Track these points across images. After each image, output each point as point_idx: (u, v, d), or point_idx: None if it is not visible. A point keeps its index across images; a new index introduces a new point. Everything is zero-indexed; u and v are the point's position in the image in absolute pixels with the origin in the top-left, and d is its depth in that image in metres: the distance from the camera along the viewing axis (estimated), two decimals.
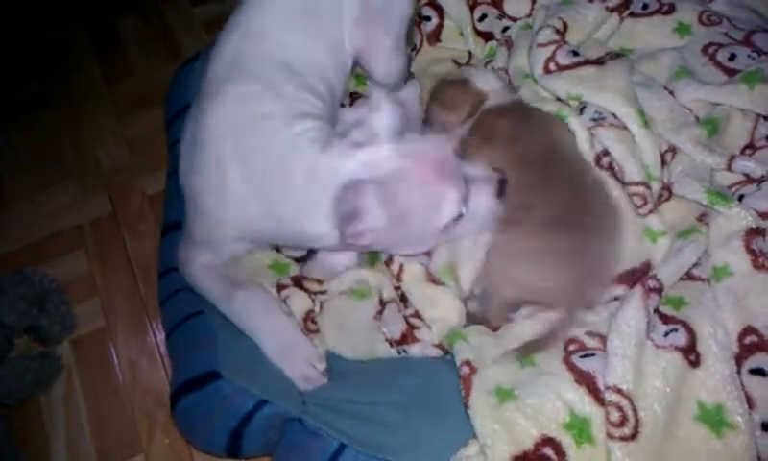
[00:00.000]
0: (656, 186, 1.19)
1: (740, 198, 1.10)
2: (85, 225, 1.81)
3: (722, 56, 1.27)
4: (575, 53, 1.30)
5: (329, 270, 1.25)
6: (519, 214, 1.10)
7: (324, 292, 1.22)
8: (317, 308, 1.20)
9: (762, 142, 1.19)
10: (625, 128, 1.21)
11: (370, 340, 1.16)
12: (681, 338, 0.98)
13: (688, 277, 1.09)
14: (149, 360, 1.56)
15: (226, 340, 1.16)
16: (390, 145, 1.05)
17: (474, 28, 1.57)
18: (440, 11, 1.60)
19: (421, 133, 1.46)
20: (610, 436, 0.93)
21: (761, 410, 0.93)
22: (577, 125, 1.23)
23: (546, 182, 1.13)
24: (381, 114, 1.07)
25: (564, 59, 1.29)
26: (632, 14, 1.40)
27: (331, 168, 1.06)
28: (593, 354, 1.01)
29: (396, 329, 1.15)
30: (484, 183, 1.10)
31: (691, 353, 0.97)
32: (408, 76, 1.53)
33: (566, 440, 0.93)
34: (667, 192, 1.20)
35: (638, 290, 1.02)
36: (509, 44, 1.50)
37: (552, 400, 0.96)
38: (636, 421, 0.93)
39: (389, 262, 1.22)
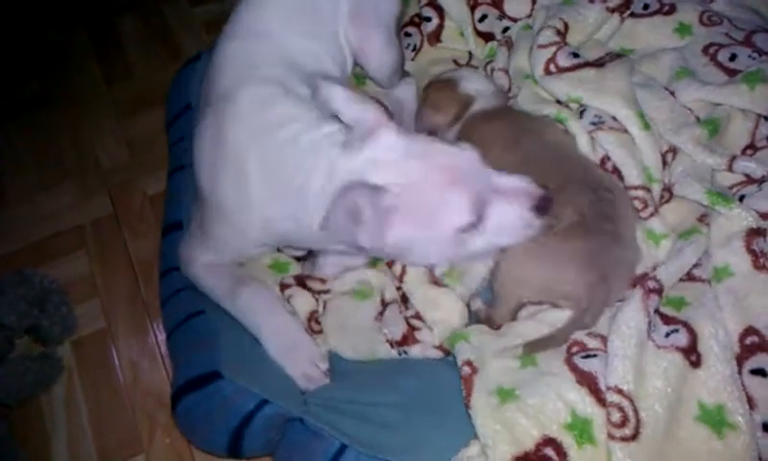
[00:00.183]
0: (656, 188, 1.19)
1: (741, 198, 1.10)
2: (86, 225, 1.82)
3: (723, 56, 1.27)
4: (575, 54, 1.30)
5: (335, 263, 1.25)
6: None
7: (327, 291, 1.22)
8: (320, 308, 1.21)
9: (763, 142, 1.19)
10: (625, 131, 1.21)
11: (371, 341, 1.16)
12: (682, 338, 0.98)
13: (689, 277, 1.09)
14: (150, 360, 1.56)
15: (227, 340, 1.16)
16: (406, 143, 1.01)
17: (475, 28, 1.57)
18: (440, 11, 1.60)
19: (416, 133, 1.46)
20: (611, 436, 0.93)
21: (762, 410, 0.93)
22: (577, 129, 1.23)
23: (562, 187, 1.10)
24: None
25: (564, 60, 1.29)
26: (632, 15, 1.40)
27: (349, 170, 1.02)
28: (595, 355, 1.01)
29: (397, 330, 1.15)
30: (516, 196, 1.02)
31: (692, 354, 0.97)
32: (404, 74, 1.53)
33: (568, 440, 0.93)
34: (668, 193, 1.20)
35: (638, 291, 1.02)
36: (509, 45, 1.50)
37: (553, 401, 0.96)
38: (637, 421, 0.93)
39: (391, 263, 1.22)
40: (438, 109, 1.36)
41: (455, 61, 1.60)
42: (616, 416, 0.93)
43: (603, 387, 0.96)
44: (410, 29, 1.63)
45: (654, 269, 1.09)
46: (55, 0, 2.40)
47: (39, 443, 1.46)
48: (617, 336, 0.98)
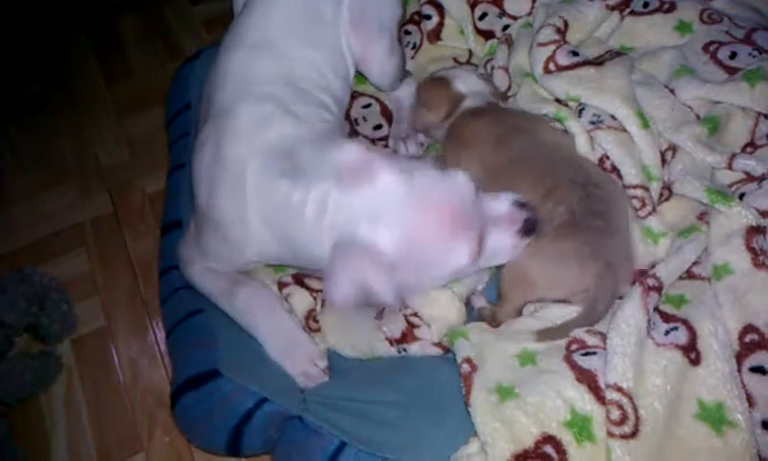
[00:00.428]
0: (656, 186, 1.19)
1: (741, 196, 1.10)
2: (86, 224, 1.82)
3: (723, 54, 1.27)
4: (575, 53, 1.30)
5: None
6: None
7: None
8: (318, 307, 1.21)
9: (763, 140, 1.19)
10: (624, 130, 1.21)
11: (369, 339, 1.15)
12: (681, 336, 0.98)
13: (689, 275, 1.09)
14: (149, 359, 1.56)
15: (226, 338, 1.16)
16: (401, 185, 0.98)
17: (475, 26, 1.57)
18: (440, 9, 1.60)
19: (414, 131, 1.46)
20: (610, 434, 0.92)
21: (762, 408, 0.93)
22: (576, 128, 1.23)
23: (557, 187, 1.10)
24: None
25: (563, 59, 1.29)
26: (632, 13, 1.40)
27: (338, 207, 1.00)
28: (594, 353, 1.00)
29: (396, 328, 1.15)
30: (507, 224, 1.03)
31: (692, 352, 0.97)
32: (405, 74, 1.53)
33: (567, 438, 0.93)
34: (667, 191, 1.20)
35: (637, 289, 1.01)
36: (509, 43, 1.50)
37: (553, 399, 0.95)
38: (637, 419, 0.93)
39: None
40: (430, 108, 1.36)
41: (455, 60, 1.60)
42: (616, 414, 0.93)
43: (602, 385, 0.96)
44: (410, 27, 1.63)
45: (652, 266, 1.09)
46: (55, 0, 2.41)
47: (39, 441, 1.47)
48: (617, 334, 0.98)
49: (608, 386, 0.95)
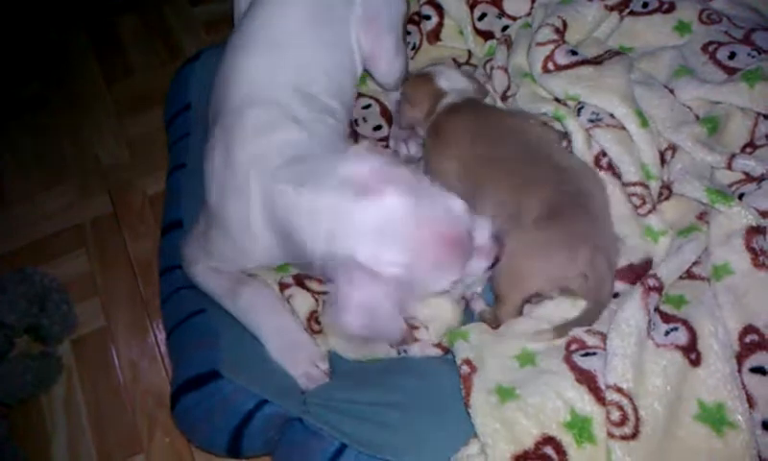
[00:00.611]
0: (654, 185, 1.19)
1: (740, 196, 1.10)
2: (86, 224, 1.82)
3: (722, 54, 1.27)
4: (573, 52, 1.30)
5: None
6: (516, 215, 1.09)
7: (325, 292, 1.22)
8: (320, 308, 1.21)
9: (762, 141, 1.19)
10: (623, 128, 1.21)
11: (369, 340, 1.15)
12: (681, 337, 0.98)
13: (689, 275, 1.08)
14: (149, 360, 1.56)
15: (226, 339, 1.16)
16: (407, 207, 0.97)
17: (474, 27, 1.57)
18: (439, 9, 1.59)
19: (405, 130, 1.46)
20: (610, 435, 0.92)
21: (762, 409, 0.93)
22: (574, 126, 1.22)
23: (532, 180, 1.11)
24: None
25: (562, 58, 1.29)
26: (632, 13, 1.39)
27: (343, 217, 0.99)
28: (594, 353, 1.00)
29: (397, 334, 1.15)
30: (484, 255, 1.06)
31: (692, 352, 0.97)
32: (407, 75, 1.53)
33: (567, 439, 0.93)
34: (667, 191, 1.20)
35: (638, 289, 1.01)
36: (508, 43, 1.50)
37: (553, 400, 0.95)
38: (637, 420, 0.93)
39: None
40: (413, 104, 1.36)
41: (454, 60, 1.60)
42: (616, 414, 0.93)
43: (602, 386, 0.96)
44: (409, 27, 1.62)
45: (648, 263, 1.09)
46: (55, 0, 2.41)
47: (39, 442, 1.47)
48: (617, 334, 0.98)
49: (608, 387, 0.95)
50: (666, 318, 1.02)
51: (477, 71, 1.53)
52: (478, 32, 1.57)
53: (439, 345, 1.13)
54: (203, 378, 1.11)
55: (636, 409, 0.93)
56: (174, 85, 1.67)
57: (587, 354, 1.01)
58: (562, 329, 1.05)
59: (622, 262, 1.10)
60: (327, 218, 1.00)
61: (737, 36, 1.29)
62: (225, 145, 1.17)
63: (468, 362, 1.02)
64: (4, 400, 1.45)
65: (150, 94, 2.04)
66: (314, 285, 1.23)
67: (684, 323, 1.00)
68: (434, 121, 1.31)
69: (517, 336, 1.07)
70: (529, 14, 1.51)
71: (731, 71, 1.24)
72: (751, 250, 1.03)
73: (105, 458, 1.44)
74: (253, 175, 1.10)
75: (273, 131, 1.14)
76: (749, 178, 1.14)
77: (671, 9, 1.37)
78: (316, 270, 1.10)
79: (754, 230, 1.04)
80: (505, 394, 0.97)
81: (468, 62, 1.60)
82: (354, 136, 1.50)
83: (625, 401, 0.93)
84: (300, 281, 1.23)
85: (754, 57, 1.23)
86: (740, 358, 0.97)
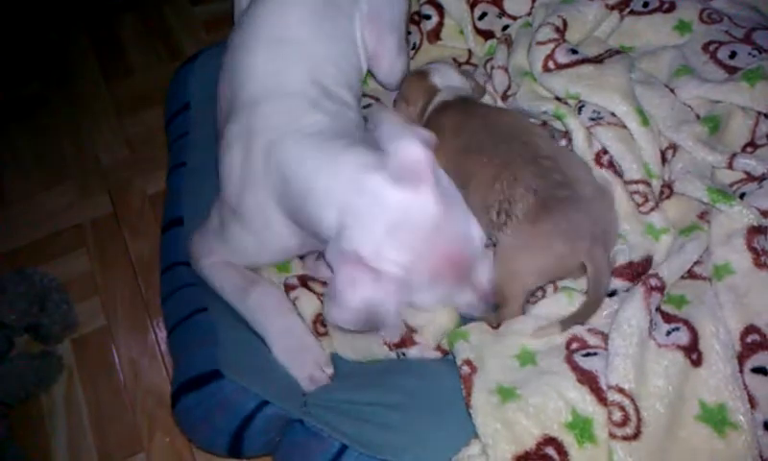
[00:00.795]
0: (655, 183, 1.19)
1: (741, 196, 1.10)
2: (86, 224, 1.82)
3: (723, 53, 1.27)
4: (574, 51, 1.30)
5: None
6: (507, 210, 1.08)
7: None
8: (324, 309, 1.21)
9: (763, 140, 1.19)
10: (624, 126, 1.21)
11: (368, 342, 1.15)
12: (683, 337, 0.98)
13: (690, 275, 1.08)
14: (150, 359, 1.56)
15: (227, 339, 1.16)
16: (435, 210, 0.96)
17: (474, 26, 1.56)
18: (440, 9, 1.59)
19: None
20: (612, 436, 0.92)
21: (764, 409, 0.93)
22: (575, 125, 1.22)
23: (505, 166, 1.10)
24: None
25: (562, 57, 1.29)
26: (632, 12, 1.39)
27: (372, 194, 0.98)
28: (595, 353, 1.00)
29: (395, 333, 1.15)
30: (481, 295, 1.07)
31: (693, 352, 0.97)
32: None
33: (568, 439, 0.93)
34: (668, 190, 1.19)
35: (640, 289, 1.01)
36: (509, 42, 1.49)
37: (554, 400, 0.95)
38: (639, 420, 0.93)
39: None
40: (409, 102, 1.36)
41: (455, 60, 1.60)
42: (617, 415, 0.93)
43: (604, 386, 0.96)
44: (410, 27, 1.62)
45: (648, 261, 1.09)
46: (55, 0, 2.40)
47: (39, 442, 1.46)
48: (618, 335, 0.98)
49: (609, 387, 0.95)
50: (668, 318, 1.02)
51: (478, 70, 1.53)
52: (478, 31, 1.57)
53: (438, 347, 1.13)
54: (203, 378, 1.11)
55: (637, 410, 0.93)
56: (173, 85, 1.67)
57: (588, 355, 1.01)
58: (566, 323, 1.04)
59: (622, 260, 1.10)
60: (351, 193, 0.99)
61: (738, 35, 1.29)
62: (243, 139, 1.15)
63: (468, 363, 1.02)
64: (4, 399, 1.45)
65: (150, 94, 2.04)
66: (317, 287, 1.23)
67: (686, 323, 1.00)
68: (428, 118, 1.31)
69: (517, 335, 1.07)
70: (529, 14, 1.51)
71: (731, 70, 1.24)
72: (752, 249, 1.03)
73: (105, 458, 1.44)
74: (273, 158, 1.09)
75: (296, 119, 1.12)
76: (750, 177, 1.14)
77: (672, 8, 1.37)
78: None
79: (755, 230, 1.04)
80: (506, 394, 0.97)
81: (468, 62, 1.60)
82: None
83: (627, 402, 0.93)
84: (304, 283, 1.23)
85: (754, 56, 1.23)
86: (742, 358, 0.97)
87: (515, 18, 1.54)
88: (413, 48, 1.61)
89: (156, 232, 1.57)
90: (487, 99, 1.45)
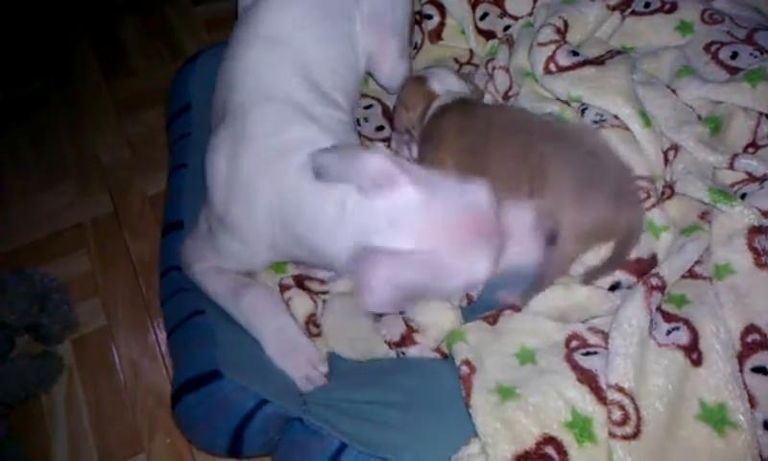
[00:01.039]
0: (658, 184, 1.19)
1: (742, 196, 1.10)
2: (86, 224, 1.82)
3: (724, 54, 1.27)
4: (575, 53, 1.30)
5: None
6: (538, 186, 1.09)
7: (325, 292, 1.22)
8: (319, 310, 1.21)
9: (765, 141, 1.19)
10: (627, 129, 1.21)
11: (369, 341, 1.15)
12: (683, 336, 0.98)
13: (690, 275, 1.08)
14: (150, 359, 1.56)
15: (227, 339, 1.16)
16: (422, 194, 0.96)
17: (476, 26, 1.57)
18: (441, 9, 1.60)
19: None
20: (612, 435, 0.92)
21: (764, 409, 0.93)
22: None
23: (523, 147, 1.11)
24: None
25: (563, 59, 1.29)
26: (633, 13, 1.40)
27: (358, 210, 0.98)
28: (595, 352, 1.00)
29: (396, 332, 1.14)
30: (525, 240, 1.02)
31: (693, 352, 0.97)
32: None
33: (568, 439, 0.93)
34: (669, 190, 1.20)
35: (641, 288, 1.01)
36: (510, 43, 1.50)
37: (554, 399, 0.95)
38: (638, 419, 0.92)
39: None
40: (408, 107, 1.35)
41: (456, 60, 1.60)
42: (617, 414, 0.93)
43: (603, 385, 0.96)
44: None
45: (656, 262, 1.09)
46: (55, 0, 2.40)
47: (40, 442, 1.46)
48: (619, 334, 0.98)
49: (609, 386, 0.95)
50: (668, 317, 1.02)
51: (479, 71, 1.53)
52: (480, 31, 1.57)
53: (437, 349, 1.13)
54: (203, 378, 1.11)
55: (637, 409, 0.93)
56: (174, 85, 1.66)
57: (588, 353, 1.01)
58: (587, 277, 1.09)
59: (631, 256, 1.11)
60: (342, 210, 0.99)
61: (740, 36, 1.29)
62: (232, 147, 1.15)
63: (467, 363, 1.02)
64: (4, 399, 1.45)
65: (150, 94, 2.04)
66: (314, 286, 1.23)
67: (686, 322, 1.00)
68: (426, 126, 1.30)
69: (516, 333, 1.07)
70: (531, 14, 1.52)
71: (733, 71, 1.24)
72: (753, 249, 1.03)
73: (105, 458, 1.44)
74: (263, 177, 1.09)
75: (288, 127, 1.12)
76: (751, 178, 1.14)
77: (673, 9, 1.37)
78: (325, 265, 1.10)
79: (756, 230, 1.04)
80: (505, 393, 0.97)
81: (469, 62, 1.60)
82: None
83: (626, 401, 0.93)
84: (300, 283, 1.23)
85: (756, 57, 1.23)
86: (742, 358, 0.97)
87: (516, 18, 1.54)
88: (414, 48, 1.61)
89: (156, 233, 1.57)
90: (488, 99, 1.45)
